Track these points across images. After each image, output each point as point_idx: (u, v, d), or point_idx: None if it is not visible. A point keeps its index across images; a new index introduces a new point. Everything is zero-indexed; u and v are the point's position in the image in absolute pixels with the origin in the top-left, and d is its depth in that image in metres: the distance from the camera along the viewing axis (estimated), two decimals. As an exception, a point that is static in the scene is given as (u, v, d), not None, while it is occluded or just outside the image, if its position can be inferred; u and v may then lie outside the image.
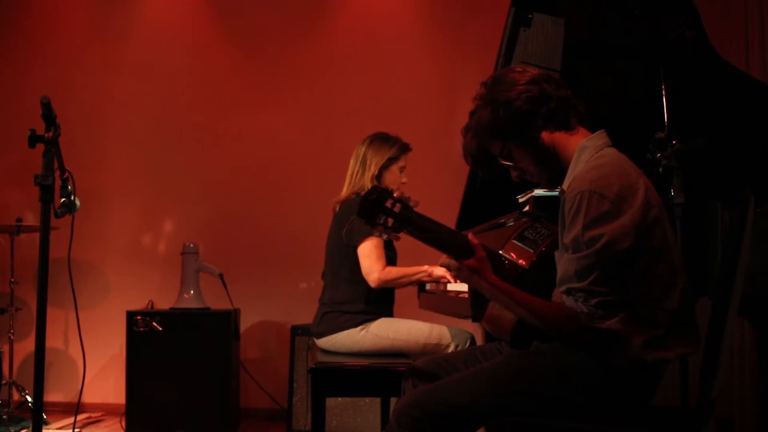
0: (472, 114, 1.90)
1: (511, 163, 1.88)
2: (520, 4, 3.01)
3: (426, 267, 3.04)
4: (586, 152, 1.79)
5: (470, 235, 1.79)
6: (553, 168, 1.85)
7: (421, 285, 3.17)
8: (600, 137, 1.82)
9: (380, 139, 3.16)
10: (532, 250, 1.82)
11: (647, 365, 1.70)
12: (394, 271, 3.02)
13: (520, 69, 1.86)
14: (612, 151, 1.81)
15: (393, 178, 3.15)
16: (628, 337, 1.66)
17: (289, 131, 4.79)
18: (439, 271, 3.02)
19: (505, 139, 1.84)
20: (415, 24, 4.79)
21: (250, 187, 4.78)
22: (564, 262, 1.73)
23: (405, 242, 2.81)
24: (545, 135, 1.82)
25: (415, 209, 1.76)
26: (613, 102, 2.95)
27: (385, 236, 1.79)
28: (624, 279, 1.67)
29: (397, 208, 1.73)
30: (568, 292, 1.71)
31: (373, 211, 1.73)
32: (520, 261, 1.81)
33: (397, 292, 3.16)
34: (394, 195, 1.74)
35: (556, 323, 1.72)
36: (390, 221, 1.73)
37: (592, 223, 1.66)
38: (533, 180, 1.89)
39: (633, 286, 1.68)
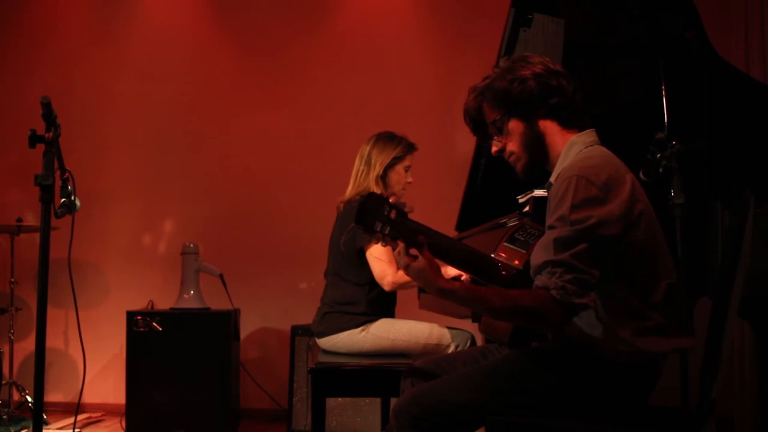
0: (484, 78, 1.91)
1: (497, 136, 1.90)
2: (520, 4, 3.01)
3: None
4: (575, 147, 1.83)
5: (421, 237, 1.74)
6: (537, 156, 1.87)
7: (422, 285, 3.16)
8: (590, 135, 1.86)
9: (385, 138, 3.12)
10: (524, 251, 1.83)
11: (644, 358, 1.70)
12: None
13: (548, 60, 1.88)
14: (601, 148, 1.84)
15: (398, 178, 3.10)
16: (608, 324, 1.68)
17: (289, 131, 4.78)
18: (452, 271, 3.00)
19: (506, 112, 1.86)
20: (415, 24, 4.78)
21: (250, 187, 4.77)
22: (545, 236, 1.70)
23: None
24: (542, 123, 1.85)
25: (410, 215, 1.75)
26: (613, 102, 2.95)
27: (383, 244, 1.77)
28: (605, 266, 1.66)
29: (393, 214, 1.72)
30: (544, 266, 1.65)
31: (370, 218, 1.72)
32: (514, 262, 1.81)
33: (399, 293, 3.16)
34: (390, 201, 1.73)
35: (520, 304, 1.65)
36: (388, 229, 1.72)
37: (579, 206, 1.66)
38: (510, 160, 1.91)
39: (614, 276, 1.68)
